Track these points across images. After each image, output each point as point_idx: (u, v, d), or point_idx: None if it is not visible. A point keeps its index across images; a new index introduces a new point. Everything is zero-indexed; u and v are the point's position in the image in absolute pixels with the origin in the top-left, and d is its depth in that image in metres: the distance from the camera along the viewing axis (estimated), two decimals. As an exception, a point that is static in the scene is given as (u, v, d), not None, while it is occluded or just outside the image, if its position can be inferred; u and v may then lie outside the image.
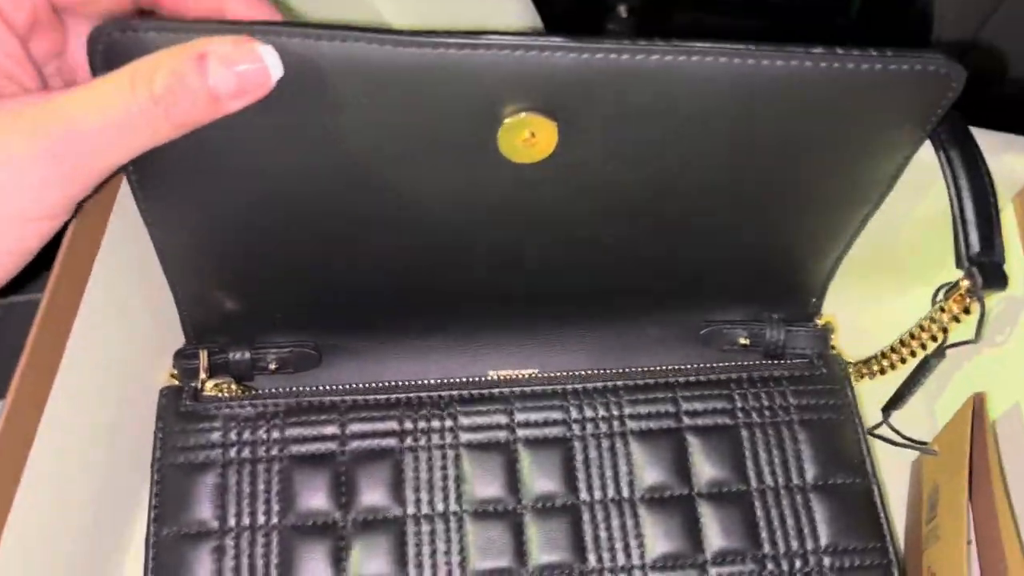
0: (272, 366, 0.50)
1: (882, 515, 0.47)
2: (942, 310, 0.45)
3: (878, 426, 0.51)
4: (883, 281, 0.58)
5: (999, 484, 0.42)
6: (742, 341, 0.53)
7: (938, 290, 0.46)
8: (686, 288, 0.51)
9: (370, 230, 0.44)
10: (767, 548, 0.46)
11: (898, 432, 0.52)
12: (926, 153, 0.44)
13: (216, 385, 0.49)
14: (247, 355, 0.50)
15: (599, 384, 0.50)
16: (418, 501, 0.47)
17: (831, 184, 0.45)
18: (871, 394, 0.53)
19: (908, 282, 0.57)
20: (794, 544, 0.46)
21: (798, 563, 0.46)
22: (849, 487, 0.48)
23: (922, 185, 0.48)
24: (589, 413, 0.49)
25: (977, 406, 0.45)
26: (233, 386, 0.49)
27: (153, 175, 0.40)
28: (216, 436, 0.47)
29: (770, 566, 0.46)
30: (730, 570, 0.46)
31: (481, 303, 0.50)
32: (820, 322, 0.53)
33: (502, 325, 0.52)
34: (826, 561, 0.46)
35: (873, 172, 0.44)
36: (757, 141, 0.41)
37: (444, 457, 0.48)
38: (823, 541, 0.46)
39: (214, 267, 0.46)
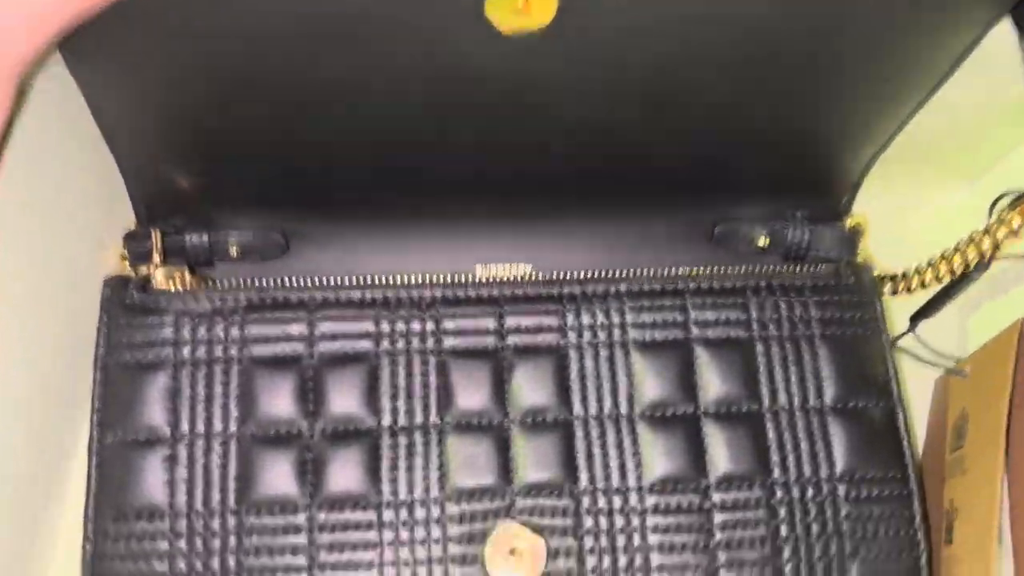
0: (234, 251, 0.45)
1: (905, 442, 0.43)
2: (1000, 222, 0.39)
3: (902, 336, 0.47)
4: (922, 176, 0.52)
5: (1043, 417, 0.38)
6: (760, 242, 0.47)
7: (998, 199, 0.40)
8: (700, 178, 0.45)
9: (335, 98, 0.37)
10: (777, 473, 0.42)
11: (926, 345, 0.47)
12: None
13: (168, 275, 0.43)
14: (205, 238, 0.44)
15: (600, 288, 0.44)
16: (394, 411, 0.42)
17: (884, 63, 0.38)
18: (899, 309, 0.48)
19: (951, 179, 0.50)
20: (807, 470, 0.42)
21: (810, 490, 0.42)
22: (871, 410, 0.43)
23: (980, 67, 0.41)
24: (587, 320, 0.44)
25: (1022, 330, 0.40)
26: (187, 276, 0.43)
27: (79, 34, 0.33)
28: (167, 332, 0.42)
29: (779, 493, 0.42)
30: (735, 496, 0.41)
31: (469, 189, 0.44)
32: (849, 222, 0.47)
33: (492, 214, 0.46)
34: (840, 489, 0.42)
35: (936, 52, 0.38)
36: (798, 8, 0.34)
37: (424, 363, 0.43)
38: (839, 468, 0.42)
39: (158, 138, 0.39)
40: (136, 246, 0.44)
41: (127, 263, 0.44)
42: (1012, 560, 0.37)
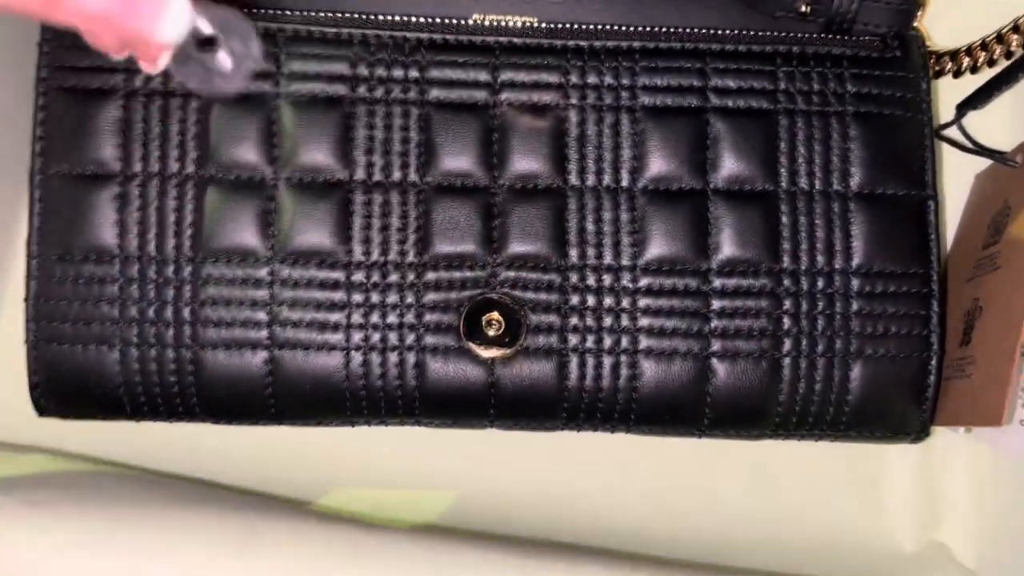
0: (198, -21, 0.39)
1: (932, 236, 0.39)
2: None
3: (947, 126, 0.41)
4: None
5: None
6: (801, 7, 0.41)
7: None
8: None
9: None
10: (786, 262, 0.38)
11: (969, 137, 0.42)
12: None
13: (119, -8, 0.37)
14: None
15: (609, 43, 0.39)
16: (370, 165, 0.38)
17: None
18: (946, 93, 0.43)
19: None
20: (820, 260, 0.38)
21: (820, 282, 0.38)
22: (900, 200, 0.39)
23: None
24: (592, 79, 0.39)
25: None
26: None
27: None
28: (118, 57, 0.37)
29: (786, 282, 0.38)
30: (737, 283, 0.38)
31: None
32: (907, -9, 0.41)
33: (496, -45, 0.40)
34: (855, 283, 0.38)
35: None
36: None
37: (406, 115, 0.38)
38: (856, 260, 0.38)
39: None
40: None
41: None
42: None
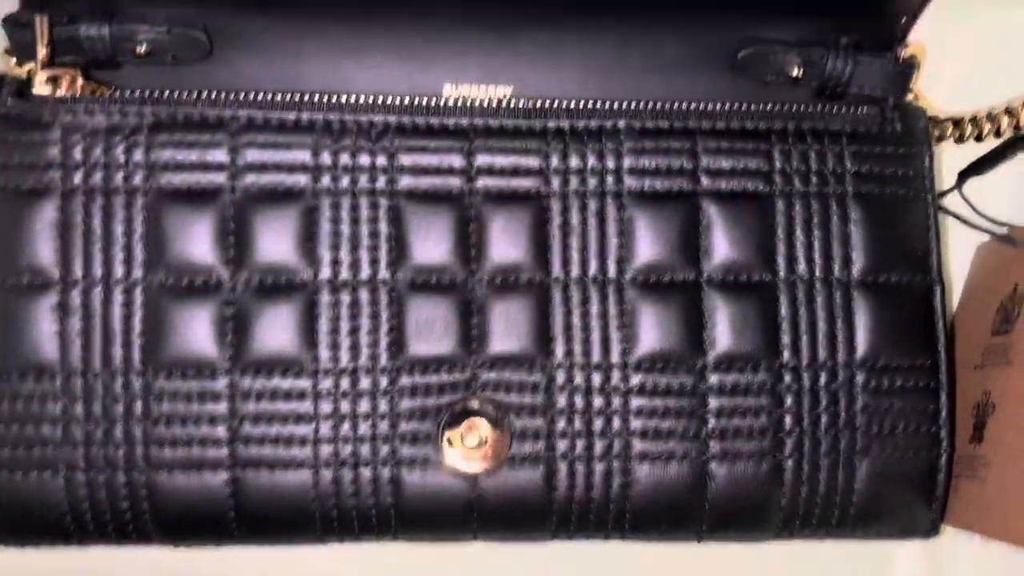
0: (142, 50, 0.35)
1: (939, 324, 0.36)
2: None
3: (947, 193, 0.39)
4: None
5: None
6: (793, 72, 0.38)
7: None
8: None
9: None
10: (787, 356, 0.36)
11: (973, 207, 0.39)
12: None
13: (53, 78, 0.34)
14: (106, 31, 0.35)
15: (593, 123, 0.36)
16: (336, 263, 0.35)
17: None
18: (946, 159, 0.40)
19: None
20: (822, 353, 0.36)
21: (823, 377, 0.36)
22: (904, 286, 0.36)
23: None
24: (575, 162, 0.36)
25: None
26: (79, 81, 0.35)
27: None
28: (53, 153, 0.34)
29: (787, 379, 0.35)
30: (735, 379, 0.35)
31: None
32: (904, 53, 0.38)
33: (466, 22, 0.37)
34: (859, 377, 0.36)
35: None
36: None
37: (375, 207, 0.35)
38: (860, 352, 0.36)
39: None
40: (18, 36, 0.35)
41: (12, 59, 0.35)
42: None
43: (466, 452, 0.34)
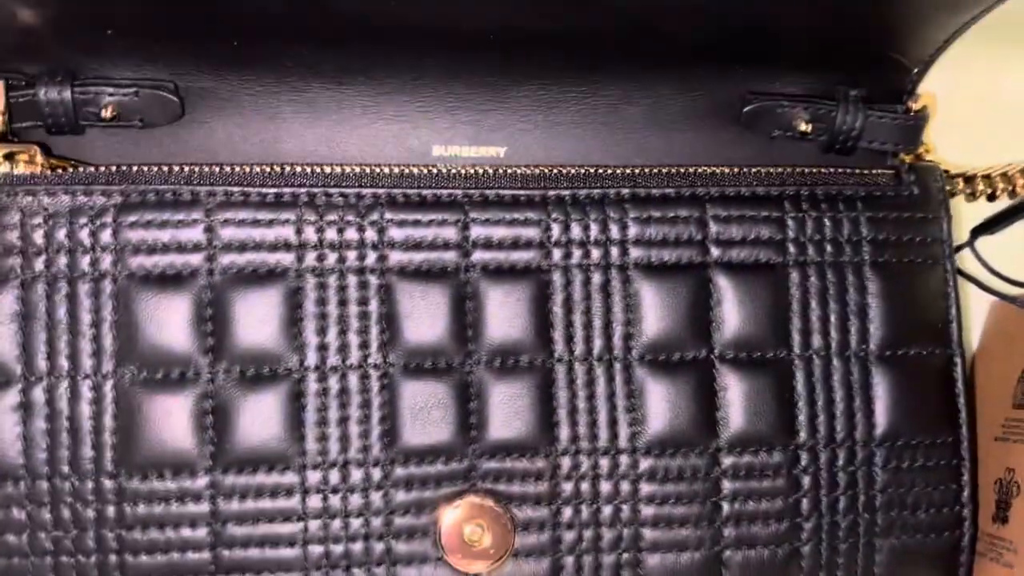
0: (107, 113, 0.33)
1: (961, 399, 0.35)
2: None
3: (958, 250, 0.38)
4: (1001, 49, 0.41)
5: None
6: (801, 126, 0.36)
7: None
8: (728, 41, 0.34)
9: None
10: (803, 436, 0.34)
11: (986, 265, 0.38)
12: None
13: (9, 154, 0.31)
14: (67, 94, 0.32)
15: (595, 192, 0.34)
16: (323, 347, 0.32)
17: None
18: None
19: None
20: (840, 432, 0.34)
21: (841, 457, 0.34)
22: (924, 359, 0.35)
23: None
24: (577, 233, 0.34)
25: None
26: (39, 158, 0.32)
27: None
28: (11, 237, 0.31)
29: (804, 459, 0.34)
30: (750, 461, 0.33)
31: (426, 43, 0.33)
32: (914, 106, 0.37)
33: (457, 79, 0.35)
34: (878, 456, 0.34)
35: None
36: None
37: (364, 286, 0.33)
38: (879, 430, 0.34)
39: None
40: (-30, 104, 0.32)
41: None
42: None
43: (466, 548, 0.32)
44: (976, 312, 0.40)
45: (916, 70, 0.37)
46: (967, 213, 0.39)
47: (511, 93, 0.36)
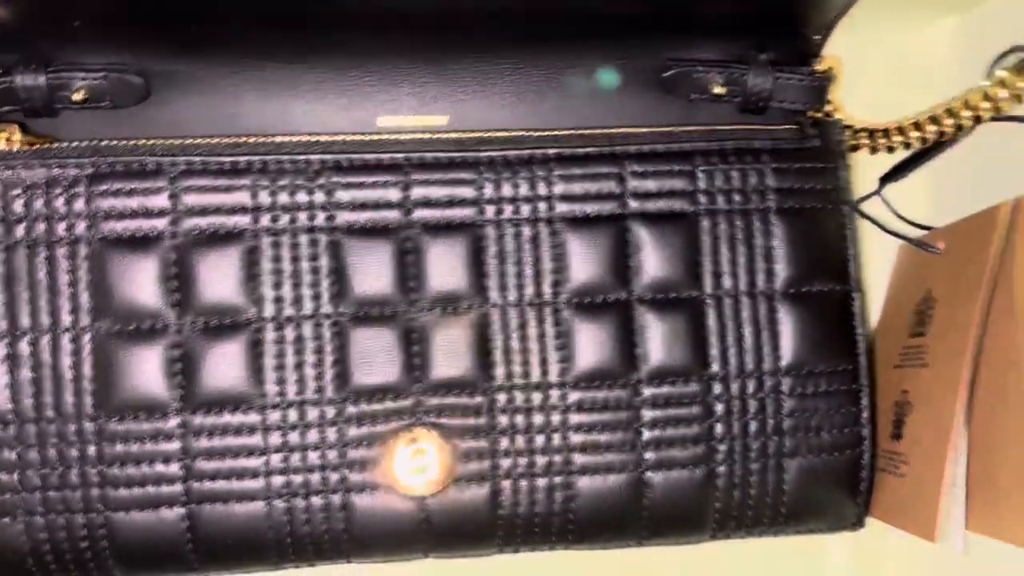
0: (79, 97, 0.36)
1: (859, 331, 0.38)
2: (1003, 84, 0.32)
3: (867, 198, 0.41)
4: (901, 7, 0.44)
5: (1022, 315, 0.33)
6: (716, 89, 0.40)
7: (1002, 56, 0.33)
8: (646, 11, 0.37)
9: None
10: (716, 367, 0.37)
11: (894, 211, 0.41)
12: None
13: (-11, 133, 0.35)
14: (42, 80, 0.35)
15: (524, 152, 0.37)
16: (279, 300, 0.36)
17: None
18: (868, 167, 0.42)
19: (938, 11, 0.43)
20: (749, 363, 0.37)
21: (751, 385, 0.37)
22: (825, 296, 0.38)
23: None
24: (508, 191, 0.37)
25: (1016, 211, 0.34)
26: (16, 136, 0.35)
27: None
28: (-6, 207, 0.35)
29: (717, 388, 0.37)
30: (668, 391, 0.37)
31: (371, 22, 0.36)
32: (820, 67, 0.40)
33: (400, 55, 0.38)
34: (785, 384, 0.38)
35: None
36: None
37: (314, 244, 0.36)
38: (785, 360, 0.38)
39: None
40: (-46, 91, 0.35)
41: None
42: (964, 471, 0.34)
43: (412, 476, 0.36)
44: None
45: (819, 35, 0.40)
46: (879, 165, 0.43)
47: (450, 66, 0.39)
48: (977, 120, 0.35)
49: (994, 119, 0.35)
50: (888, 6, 0.44)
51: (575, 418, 0.37)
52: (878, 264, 0.43)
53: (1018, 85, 0.32)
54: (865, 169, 0.42)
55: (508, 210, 0.37)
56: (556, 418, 0.37)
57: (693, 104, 0.41)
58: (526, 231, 0.37)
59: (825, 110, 0.41)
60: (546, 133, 0.38)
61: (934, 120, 0.37)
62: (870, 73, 0.44)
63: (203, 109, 0.38)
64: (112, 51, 0.36)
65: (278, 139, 0.37)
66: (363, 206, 0.36)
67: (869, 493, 0.38)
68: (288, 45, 0.37)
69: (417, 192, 0.37)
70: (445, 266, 0.37)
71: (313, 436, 0.36)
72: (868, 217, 0.42)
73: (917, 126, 0.38)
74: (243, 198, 0.36)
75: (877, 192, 0.42)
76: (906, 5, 0.44)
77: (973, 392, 0.34)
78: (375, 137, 0.37)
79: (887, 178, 0.42)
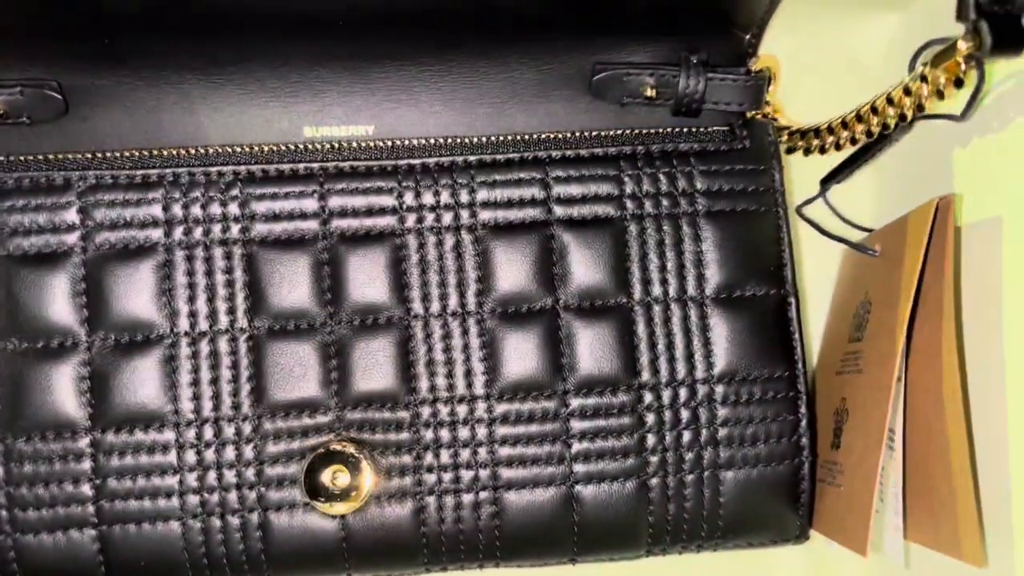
0: (-4, 112, 0.36)
1: (796, 336, 0.37)
2: (923, 79, 0.31)
3: (810, 201, 0.40)
4: (838, 6, 0.43)
5: (950, 315, 0.32)
6: (648, 92, 0.39)
7: (921, 50, 0.32)
8: (575, 14, 0.37)
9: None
10: (646, 376, 0.36)
11: (838, 214, 0.40)
12: None
13: None
14: None
15: (444, 159, 0.36)
16: (193, 314, 0.35)
17: None
18: (812, 169, 0.41)
19: (875, 8, 0.42)
20: (681, 371, 0.36)
21: (683, 394, 0.36)
22: (759, 300, 0.37)
23: None
24: (429, 199, 0.36)
25: (942, 211, 0.33)
26: (-77, 152, 0.35)
27: None
28: (-101, 225, 0.34)
29: (647, 398, 0.36)
30: (597, 402, 0.36)
31: (283, 28, 0.35)
32: (754, 67, 0.39)
33: (320, 64, 0.37)
34: (718, 392, 0.36)
35: None
36: None
37: (229, 257, 0.35)
38: (718, 368, 0.36)
39: None
40: None
41: None
42: (900, 480, 0.32)
43: (330, 494, 0.35)
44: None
45: (751, 35, 0.39)
46: (821, 167, 0.42)
47: (373, 74, 0.38)
48: (903, 118, 0.34)
49: (925, 117, 0.34)
50: (827, 4, 0.43)
51: (501, 431, 0.36)
52: (828, 269, 0.42)
53: (937, 78, 0.31)
54: (814, 171, 0.41)
55: (429, 218, 0.36)
56: (482, 431, 0.36)
57: (626, 108, 0.40)
58: (448, 240, 0.36)
59: (764, 111, 0.40)
60: (467, 139, 0.37)
61: (861, 118, 0.36)
62: (811, 72, 0.43)
63: (123, 123, 0.37)
64: (27, 66, 0.36)
65: (189, 151, 0.36)
66: (278, 217, 0.36)
67: (811, 505, 0.37)
68: (204, 57, 0.37)
69: (335, 202, 0.36)
70: (365, 277, 0.36)
71: (229, 453, 0.35)
72: (809, 220, 0.40)
73: (845, 125, 0.37)
74: (155, 211, 0.35)
75: (820, 195, 0.41)
76: (846, 2, 0.43)
77: (907, 398, 0.33)
78: (290, 146, 0.36)
79: (828, 180, 0.41)
